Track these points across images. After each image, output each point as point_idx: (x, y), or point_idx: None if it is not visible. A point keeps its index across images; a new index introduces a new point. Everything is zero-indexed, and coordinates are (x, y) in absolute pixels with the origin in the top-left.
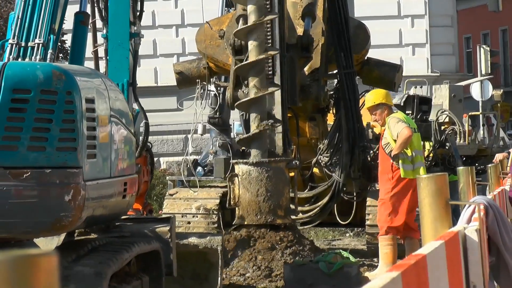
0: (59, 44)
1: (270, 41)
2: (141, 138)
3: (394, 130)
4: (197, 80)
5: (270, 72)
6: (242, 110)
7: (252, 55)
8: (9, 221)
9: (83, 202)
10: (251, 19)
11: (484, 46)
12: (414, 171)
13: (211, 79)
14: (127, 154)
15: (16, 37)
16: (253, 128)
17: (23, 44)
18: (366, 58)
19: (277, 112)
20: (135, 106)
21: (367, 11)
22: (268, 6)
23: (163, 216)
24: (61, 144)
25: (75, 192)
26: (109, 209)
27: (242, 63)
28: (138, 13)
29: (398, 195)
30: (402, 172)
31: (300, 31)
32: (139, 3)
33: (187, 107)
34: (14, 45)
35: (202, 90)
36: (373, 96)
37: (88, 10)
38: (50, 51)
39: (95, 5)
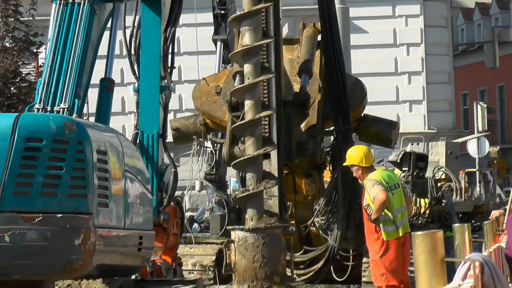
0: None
1: (266, 99)
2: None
3: (371, 193)
4: (194, 137)
5: (267, 131)
6: (239, 169)
7: (249, 115)
8: (22, 263)
9: (93, 247)
10: (248, 79)
11: (481, 103)
12: (398, 230)
13: (208, 136)
14: (143, 210)
15: (42, 101)
16: (250, 187)
17: (49, 108)
18: (362, 114)
19: (274, 170)
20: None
21: (364, 68)
22: (266, 64)
23: (191, 278)
24: (72, 191)
25: (85, 237)
26: (123, 260)
27: (239, 123)
28: (168, 68)
29: (387, 254)
30: (384, 235)
31: (296, 87)
32: (169, 58)
33: (183, 164)
34: (40, 109)
35: (198, 147)
36: (349, 156)
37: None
38: (74, 115)
39: (128, 59)
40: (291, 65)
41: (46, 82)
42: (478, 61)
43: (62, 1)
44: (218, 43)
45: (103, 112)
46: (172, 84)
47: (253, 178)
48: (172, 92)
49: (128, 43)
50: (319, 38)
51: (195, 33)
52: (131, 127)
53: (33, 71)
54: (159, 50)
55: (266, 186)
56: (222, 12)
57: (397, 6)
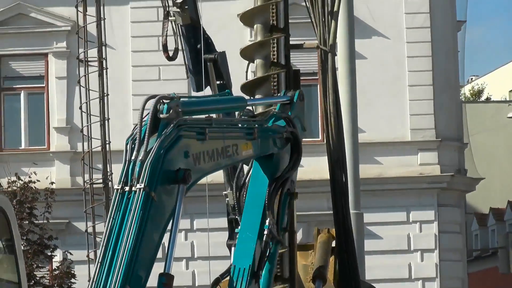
0: None
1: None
2: None
3: None
4: None
5: None
6: None
7: None
8: None
9: None
10: None
11: None
12: None
13: None
14: None
15: None
16: None
17: None
18: None
19: None
20: None
21: (378, 274)
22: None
23: None
24: None
25: None
26: None
27: None
28: (274, 214)
29: None
30: None
31: None
32: (282, 211)
33: None
34: None
35: None
36: None
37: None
38: None
39: (234, 198)
40: (305, 271)
41: (95, 280)
42: (492, 266)
43: (119, 190)
44: (233, 248)
45: None
46: (282, 238)
47: None
48: (280, 245)
49: (237, 196)
50: (333, 244)
51: (207, 238)
52: None
53: (47, 274)
54: (265, 191)
55: None
56: (237, 217)
57: (411, 211)
